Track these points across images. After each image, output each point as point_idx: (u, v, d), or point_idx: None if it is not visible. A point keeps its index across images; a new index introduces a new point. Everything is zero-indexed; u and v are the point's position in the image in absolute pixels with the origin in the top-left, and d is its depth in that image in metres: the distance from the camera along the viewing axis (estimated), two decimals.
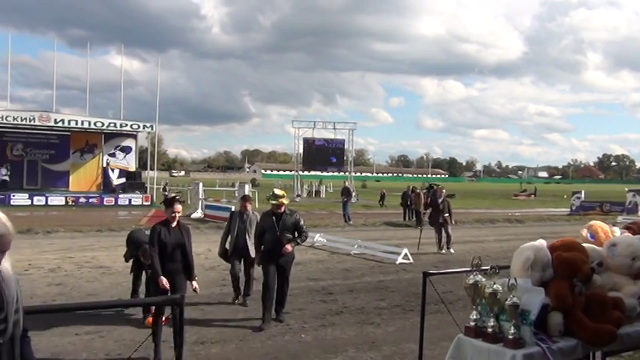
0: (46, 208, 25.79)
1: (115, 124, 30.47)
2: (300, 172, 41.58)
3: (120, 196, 29.31)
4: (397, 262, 12.81)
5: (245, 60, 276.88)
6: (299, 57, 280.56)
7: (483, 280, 3.59)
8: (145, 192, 30.33)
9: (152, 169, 32.77)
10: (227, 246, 8.63)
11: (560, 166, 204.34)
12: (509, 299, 3.37)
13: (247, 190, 22.50)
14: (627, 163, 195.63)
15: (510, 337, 3.34)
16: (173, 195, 8.89)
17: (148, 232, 7.67)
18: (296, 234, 7.58)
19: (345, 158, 42.07)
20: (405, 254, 13.07)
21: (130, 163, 32.62)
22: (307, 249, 13.74)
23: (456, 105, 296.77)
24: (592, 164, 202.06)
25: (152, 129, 31.73)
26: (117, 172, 31.32)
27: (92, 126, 29.97)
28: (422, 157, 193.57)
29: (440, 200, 14.91)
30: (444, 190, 15.48)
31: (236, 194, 23.93)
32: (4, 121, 27.86)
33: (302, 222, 7.67)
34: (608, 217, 24.99)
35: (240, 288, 8.53)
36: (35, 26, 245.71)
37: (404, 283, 10.66)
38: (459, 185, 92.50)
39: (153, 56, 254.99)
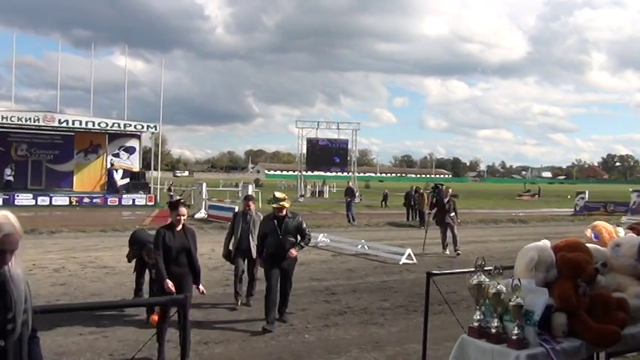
0: (50, 209, 25.87)
1: (118, 124, 30.52)
2: (304, 173, 41.56)
3: (124, 196, 29.34)
4: (401, 263, 12.80)
5: (248, 60, 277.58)
6: (302, 57, 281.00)
7: (487, 280, 3.58)
8: (149, 192, 30.37)
9: (156, 169, 32.80)
10: (231, 247, 8.61)
11: (564, 167, 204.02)
12: (512, 300, 3.36)
13: (251, 190, 22.55)
14: (632, 163, 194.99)
15: (514, 337, 3.34)
16: (178, 198, 8.90)
17: (151, 232, 7.70)
18: (299, 237, 7.52)
19: (348, 158, 42.05)
20: (409, 254, 13.06)
21: (134, 163, 32.67)
22: (311, 249, 13.72)
23: (459, 105, 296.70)
24: (596, 164, 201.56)
25: (156, 129, 31.76)
26: (121, 172, 31.37)
27: (96, 126, 30.02)
28: (425, 158, 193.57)
29: (446, 200, 14.82)
30: (449, 190, 15.38)
31: (240, 194, 23.96)
32: (9, 122, 27.95)
33: (304, 225, 7.63)
34: (612, 217, 24.93)
35: (239, 293, 8.43)
36: (39, 27, 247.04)
37: (407, 283, 10.65)
38: (463, 185, 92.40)
39: (157, 57, 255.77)
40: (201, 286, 6.29)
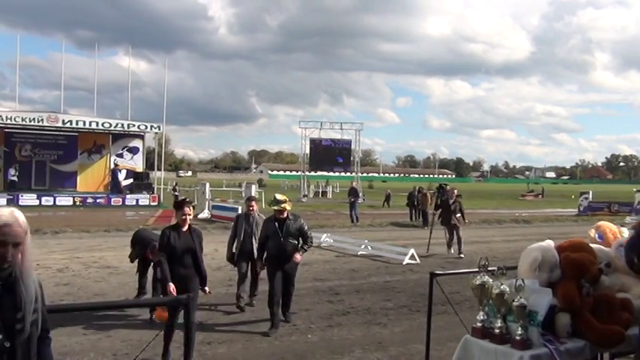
0: (54, 209, 25.94)
1: (122, 124, 30.59)
2: (307, 173, 41.58)
3: (127, 196, 29.41)
4: (404, 263, 12.79)
5: (252, 60, 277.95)
6: (305, 57, 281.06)
7: (490, 280, 3.58)
8: (153, 192, 30.43)
9: (159, 169, 32.88)
10: (234, 249, 8.54)
11: (568, 167, 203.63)
12: (516, 300, 3.36)
13: (254, 190, 22.54)
14: (636, 163, 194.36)
15: (518, 338, 3.33)
16: (183, 198, 8.87)
17: (155, 232, 7.71)
18: (300, 240, 7.45)
19: (351, 158, 42.06)
20: (412, 255, 13.04)
21: (138, 163, 32.72)
22: (314, 249, 13.71)
23: (462, 105, 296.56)
24: (600, 164, 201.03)
25: (159, 129, 31.84)
26: (124, 172, 31.44)
27: (100, 127, 30.09)
28: (429, 158, 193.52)
29: (452, 201, 14.71)
30: (455, 191, 15.27)
31: (243, 194, 23.98)
32: (13, 122, 28.05)
33: (306, 227, 7.55)
34: (616, 217, 24.85)
35: (242, 296, 8.30)
36: (43, 27, 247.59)
37: (410, 283, 10.64)
38: (466, 185, 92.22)
39: (160, 57, 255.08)
40: (206, 288, 6.25)
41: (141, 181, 31.07)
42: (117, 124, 30.50)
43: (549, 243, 3.85)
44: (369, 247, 14.51)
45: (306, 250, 7.58)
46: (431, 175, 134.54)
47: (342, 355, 6.36)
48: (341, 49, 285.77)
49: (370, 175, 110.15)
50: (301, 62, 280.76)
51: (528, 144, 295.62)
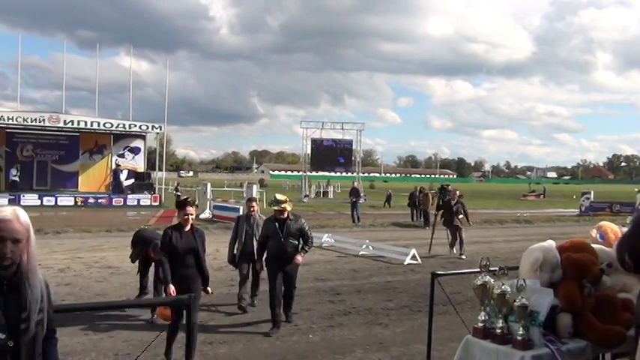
0: (55, 209, 25.96)
1: (123, 124, 30.59)
2: (308, 173, 41.58)
3: (129, 196, 29.41)
4: (405, 263, 12.78)
5: (253, 61, 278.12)
6: (307, 57, 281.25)
7: (492, 281, 3.58)
8: (154, 192, 30.44)
9: (161, 169, 32.89)
10: (235, 251, 8.49)
11: (570, 167, 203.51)
12: (517, 300, 3.36)
13: (255, 190, 22.54)
14: (637, 163, 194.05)
15: (519, 338, 3.33)
16: (185, 197, 8.82)
17: (158, 232, 7.69)
18: (301, 240, 7.39)
19: (353, 158, 42.05)
20: (414, 255, 13.04)
21: (139, 163, 32.73)
22: (315, 249, 13.71)
23: (464, 105, 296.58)
24: (601, 165, 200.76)
25: (161, 130, 31.84)
26: (125, 172, 31.46)
27: (101, 127, 30.10)
28: (430, 158, 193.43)
29: (454, 202, 14.64)
30: (457, 192, 15.20)
31: (244, 195, 23.98)
32: (14, 122, 28.07)
33: (307, 227, 7.48)
34: (617, 217, 24.78)
35: (244, 297, 8.23)
36: (45, 28, 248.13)
37: (412, 283, 10.63)
38: (468, 186, 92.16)
39: (161, 57, 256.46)
40: (209, 289, 6.21)
41: (142, 182, 31.09)
42: (118, 125, 30.50)
43: (551, 243, 3.84)
44: (371, 248, 14.51)
45: (306, 251, 7.51)
46: (432, 176, 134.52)
47: (343, 355, 6.36)
48: (342, 49, 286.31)
49: (371, 175, 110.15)
50: (302, 62, 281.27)
51: (530, 144, 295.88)
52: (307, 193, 40.66)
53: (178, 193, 32.78)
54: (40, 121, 28.23)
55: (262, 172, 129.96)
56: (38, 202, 26.79)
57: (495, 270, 3.64)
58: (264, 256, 7.59)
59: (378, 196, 41.77)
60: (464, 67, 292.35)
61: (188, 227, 6.03)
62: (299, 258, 7.33)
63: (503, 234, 20.29)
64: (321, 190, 46.68)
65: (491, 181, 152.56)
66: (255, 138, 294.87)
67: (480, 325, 3.57)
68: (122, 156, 32.33)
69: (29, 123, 28.27)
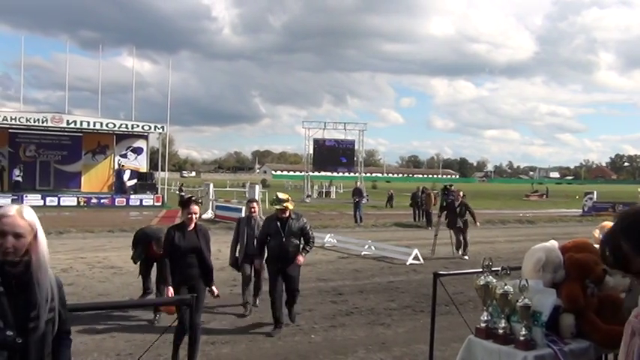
0: (58, 209, 26.00)
1: (126, 125, 30.66)
2: (311, 173, 41.58)
3: (131, 196, 29.44)
4: (407, 263, 12.77)
5: (255, 61, 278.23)
6: (309, 58, 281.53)
7: (494, 281, 3.57)
8: (157, 193, 30.48)
9: (163, 170, 32.93)
10: (237, 254, 8.43)
11: (572, 167, 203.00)
12: (520, 300, 3.35)
13: (257, 190, 22.57)
14: None
15: (521, 338, 3.32)
16: (190, 196, 8.74)
17: (159, 228, 7.67)
18: (302, 240, 7.30)
19: (355, 159, 42.03)
20: (416, 255, 13.03)
21: (142, 164, 32.79)
22: (317, 250, 13.72)
23: (466, 105, 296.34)
24: (604, 164, 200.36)
25: (163, 130, 31.90)
26: (128, 173, 31.50)
27: (104, 127, 30.18)
28: (432, 158, 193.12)
29: (457, 203, 14.55)
30: (460, 193, 15.10)
31: (246, 195, 23.99)
32: (17, 123, 28.15)
33: (308, 227, 7.39)
34: None
35: (248, 301, 8.20)
36: (47, 28, 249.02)
37: (414, 283, 10.62)
38: (470, 186, 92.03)
39: (164, 57, 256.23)
40: (214, 288, 6.08)
41: (145, 182, 31.13)
42: (121, 125, 30.57)
43: (553, 243, 3.83)
44: (373, 248, 14.50)
45: (308, 251, 7.42)
46: (435, 176, 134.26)
47: (345, 355, 6.36)
48: (344, 50, 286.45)
49: (374, 175, 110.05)
50: (304, 62, 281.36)
51: (532, 144, 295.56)
52: (310, 194, 40.65)
53: (183, 194, 32.81)
54: (42, 122, 28.30)
55: (265, 172, 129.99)
56: (41, 203, 26.81)
57: (498, 270, 3.63)
58: (265, 255, 7.55)
59: (380, 196, 41.73)
60: (466, 67, 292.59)
61: (192, 226, 5.95)
62: (300, 258, 7.25)
63: (505, 234, 20.26)
64: (324, 191, 46.69)
65: (494, 181, 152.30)
66: (258, 138, 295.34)
67: (483, 325, 3.57)
68: (125, 156, 32.40)
69: (32, 123, 28.35)
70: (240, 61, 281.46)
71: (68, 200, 28.04)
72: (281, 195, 7.37)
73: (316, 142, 40.24)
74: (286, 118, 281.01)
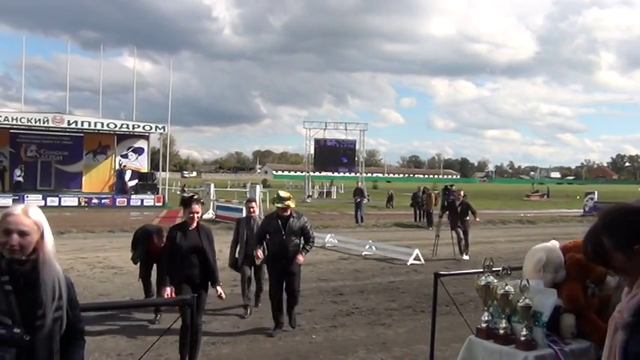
0: (59, 209, 26.00)
1: (127, 125, 30.67)
2: (312, 173, 41.58)
3: (132, 196, 29.45)
4: (408, 263, 12.77)
5: (256, 61, 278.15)
6: (309, 58, 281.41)
7: (495, 281, 3.57)
8: (157, 193, 30.49)
9: (164, 170, 32.94)
10: (237, 255, 8.36)
11: (573, 167, 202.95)
12: (521, 301, 3.35)
13: (258, 190, 22.57)
14: None
15: (522, 338, 3.32)
16: (191, 194, 8.66)
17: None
18: (302, 239, 7.24)
19: (356, 159, 42.04)
20: (417, 255, 13.02)
21: (142, 164, 32.80)
22: (318, 250, 13.73)
23: (467, 105, 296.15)
24: (605, 165, 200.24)
25: (164, 130, 31.90)
26: (129, 173, 31.53)
27: (105, 127, 30.19)
28: (433, 158, 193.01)
29: (458, 203, 14.51)
30: (461, 192, 15.06)
31: (247, 195, 24.01)
32: (18, 123, 28.16)
33: (309, 226, 7.33)
34: None
35: (248, 304, 8.13)
36: (48, 28, 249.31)
37: (415, 284, 10.62)
38: (471, 186, 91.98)
39: (164, 58, 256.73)
40: (219, 289, 5.92)
41: (146, 182, 31.14)
42: (122, 125, 30.58)
43: (554, 243, 3.83)
44: (374, 248, 14.49)
45: (308, 251, 7.34)
46: (435, 176, 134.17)
47: (345, 355, 6.36)
48: (345, 50, 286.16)
49: (375, 175, 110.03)
50: (305, 63, 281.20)
51: (533, 144, 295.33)
52: (310, 194, 40.65)
53: (185, 195, 32.78)
54: (43, 122, 28.31)
55: (265, 172, 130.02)
56: (42, 203, 26.77)
57: (499, 270, 3.63)
58: (265, 253, 7.51)
59: (381, 196, 41.73)
60: (467, 68, 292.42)
61: (194, 226, 5.88)
62: (300, 258, 7.17)
63: (506, 234, 20.25)
64: (324, 191, 46.69)
65: (495, 182, 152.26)
66: (258, 138, 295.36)
67: (483, 325, 3.57)
68: (125, 156, 32.42)
69: (33, 124, 28.37)
70: (241, 62, 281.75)
71: (69, 200, 28.05)
72: (283, 193, 7.31)
73: (317, 142, 40.25)
74: (287, 118, 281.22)
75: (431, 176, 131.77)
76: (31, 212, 2.27)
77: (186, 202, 6.03)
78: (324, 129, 40.46)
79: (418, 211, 25.00)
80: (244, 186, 42.29)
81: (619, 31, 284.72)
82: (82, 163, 31.91)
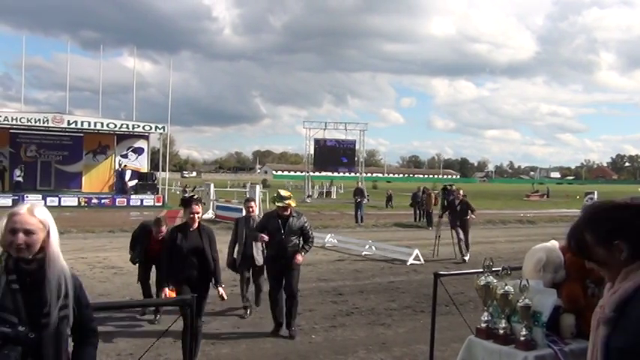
0: (59, 209, 25.96)
1: (127, 125, 30.66)
2: (311, 173, 41.59)
3: (132, 196, 29.46)
4: (408, 263, 12.77)
5: (256, 61, 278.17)
6: (309, 58, 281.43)
7: (495, 281, 3.57)
8: (157, 193, 30.49)
9: (164, 170, 32.94)
10: (235, 255, 8.30)
11: (573, 167, 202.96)
12: (520, 301, 3.35)
13: (258, 190, 22.56)
14: None
15: (522, 338, 3.32)
16: (191, 195, 8.60)
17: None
18: (301, 239, 7.16)
19: (356, 159, 42.05)
20: (416, 255, 13.02)
21: (142, 164, 32.80)
22: (318, 250, 13.73)
23: (467, 105, 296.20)
24: (605, 165, 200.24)
25: (164, 130, 31.89)
26: (129, 173, 31.53)
27: (105, 127, 30.19)
28: (433, 158, 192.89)
29: (457, 202, 14.52)
30: (460, 191, 15.05)
31: (247, 195, 24.00)
32: (18, 123, 28.16)
33: (309, 226, 7.26)
34: None
35: (248, 305, 8.11)
36: (48, 28, 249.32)
37: (414, 284, 10.62)
38: (471, 186, 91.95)
39: (164, 58, 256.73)
40: (220, 290, 5.87)
41: (146, 182, 31.14)
42: (122, 125, 30.58)
43: (554, 243, 3.83)
44: (373, 248, 14.49)
45: (307, 251, 7.25)
46: (435, 176, 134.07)
47: (345, 355, 6.36)
48: (345, 50, 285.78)
49: (374, 175, 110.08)
50: (305, 63, 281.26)
51: (533, 144, 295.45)
52: (310, 194, 40.65)
53: (186, 195, 32.74)
54: (43, 122, 28.31)
55: (265, 172, 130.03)
56: (42, 203, 26.63)
57: (498, 270, 3.63)
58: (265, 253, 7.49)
59: (381, 196, 41.71)
60: (467, 68, 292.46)
61: (195, 226, 5.85)
62: (299, 258, 7.07)
63: (506, 234, 20.26)
64: (324, 191, 46.69)
65: (495, 182, 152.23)
66: (258, 138, 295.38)
67: (483, 325, 3.57)
68: (125, 156, 32.42)
69: (33, 124, 28.37)
70: (241, 62, 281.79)
71: (69, 200, 28.04)
72: (283, 192, 7.26)
73: (317, 142, 40.25)
74: (287, 118, 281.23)
75: (431, 176, 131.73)
76: (36, 211, 2.28)
77: (187, 203, 6.00)
78: (324, 129, 40.49)
79: (418, 211, 25.02)
80: (244, 186, 42.28)
81: (619, 31, 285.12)
82: (81, 163, 31.91)
